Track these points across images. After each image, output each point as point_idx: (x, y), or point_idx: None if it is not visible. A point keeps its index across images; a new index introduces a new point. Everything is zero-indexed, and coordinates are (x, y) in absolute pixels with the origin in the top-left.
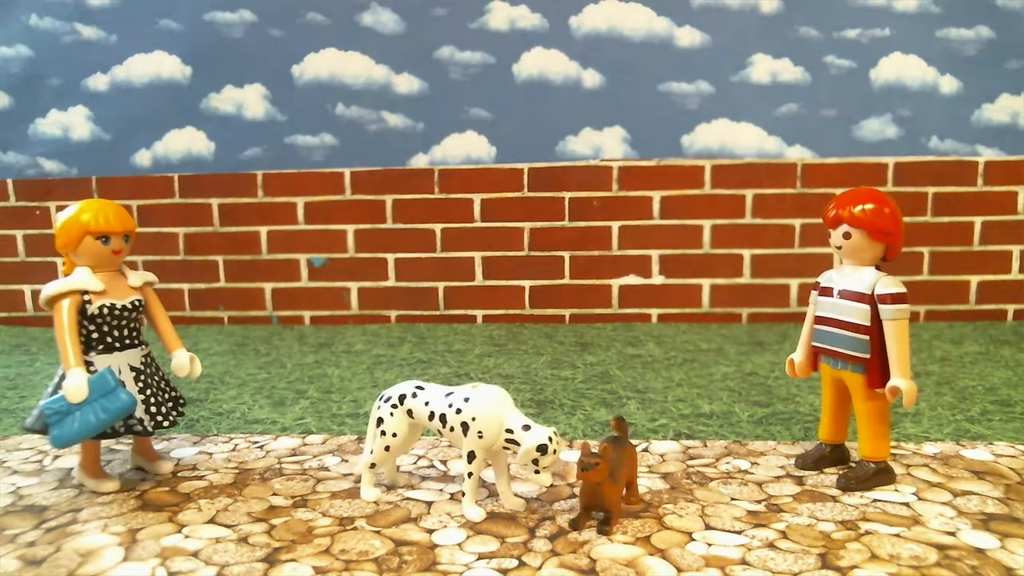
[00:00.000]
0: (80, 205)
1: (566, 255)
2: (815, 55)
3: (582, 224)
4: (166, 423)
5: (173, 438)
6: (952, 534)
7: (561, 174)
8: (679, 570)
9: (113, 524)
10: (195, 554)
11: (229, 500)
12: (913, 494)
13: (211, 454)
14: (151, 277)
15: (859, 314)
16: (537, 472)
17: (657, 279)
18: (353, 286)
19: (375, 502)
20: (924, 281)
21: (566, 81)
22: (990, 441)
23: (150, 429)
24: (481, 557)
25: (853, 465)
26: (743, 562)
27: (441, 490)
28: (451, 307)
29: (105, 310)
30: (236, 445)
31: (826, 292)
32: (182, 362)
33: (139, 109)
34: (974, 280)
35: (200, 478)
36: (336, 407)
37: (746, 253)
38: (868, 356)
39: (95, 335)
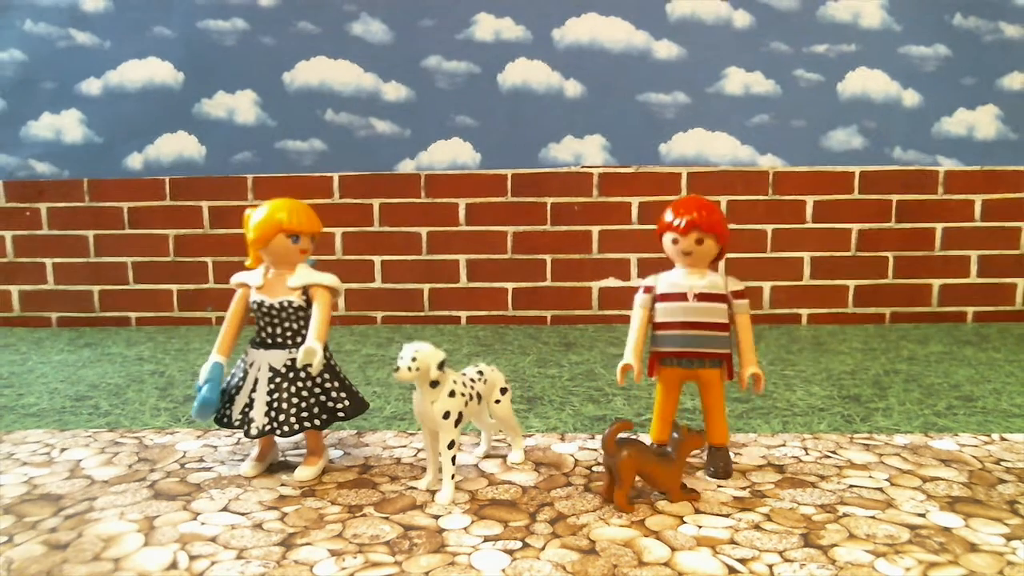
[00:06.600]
0: (274, 204)
1: (548, 258)
2: (786, 68)
3: (563, 228)
4: (278, 432)
5: (177, 432)
6: (922, 515)
7: (543, 180)
8: (673, 549)
9: (129, 512)
10: (213, 539)
11: (239, 490)
12: (886, 480)
13: (215, 447)
14: (319, 279)
15: (720, 313)
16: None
17: (636, 282)
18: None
19: (381, 491)
20: (889, 284)
21: (549, 91)
22: (955, 433)
23: (252, 432)
24: (487, 540)
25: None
26: (731, 542)
27: (440, 480)
28: (436, 308)
29: (256, 305)
30: (239, 439)
31: (668, 298)
32: (306, 348)
33: (132, 113)
34: (936, 283)
35: (208, 470)
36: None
37: None
38: (728, 351)
39: (256, 328)
